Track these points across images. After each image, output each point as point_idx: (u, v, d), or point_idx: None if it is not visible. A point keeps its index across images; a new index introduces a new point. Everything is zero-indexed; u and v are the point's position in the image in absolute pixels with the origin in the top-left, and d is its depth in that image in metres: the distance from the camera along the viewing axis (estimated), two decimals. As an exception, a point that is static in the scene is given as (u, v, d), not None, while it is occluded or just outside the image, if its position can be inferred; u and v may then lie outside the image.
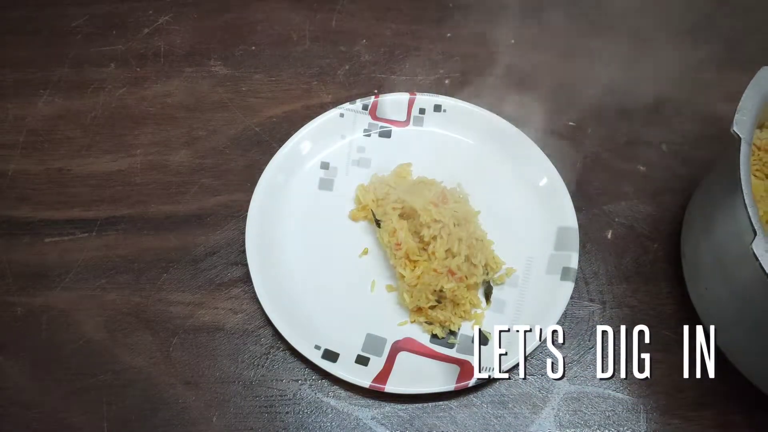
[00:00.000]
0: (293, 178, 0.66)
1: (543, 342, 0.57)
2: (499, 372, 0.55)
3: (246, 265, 0.59)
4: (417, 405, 0.56)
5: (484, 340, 0.57)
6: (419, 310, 0.58)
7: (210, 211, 0.65)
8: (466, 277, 0.58)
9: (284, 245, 0.62)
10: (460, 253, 0.57)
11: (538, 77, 0.75)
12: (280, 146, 0.66)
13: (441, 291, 0.57)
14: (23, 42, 0.77)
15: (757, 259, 0.43)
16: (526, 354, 0.55)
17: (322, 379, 0.57)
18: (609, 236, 0.65)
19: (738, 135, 0.47)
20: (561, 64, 0.76)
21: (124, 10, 0.80)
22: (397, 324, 0.58)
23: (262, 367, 0.57)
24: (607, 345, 0.59)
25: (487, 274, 0.60)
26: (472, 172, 0.64)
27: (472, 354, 0.56)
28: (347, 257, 0.62)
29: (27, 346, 0.58)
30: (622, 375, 0.57)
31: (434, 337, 0.58)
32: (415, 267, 0.58)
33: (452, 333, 0.58)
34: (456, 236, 0.58)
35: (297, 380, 0.57)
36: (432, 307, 0.58)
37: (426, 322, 0.58)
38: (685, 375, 0.57)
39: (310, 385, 0.57)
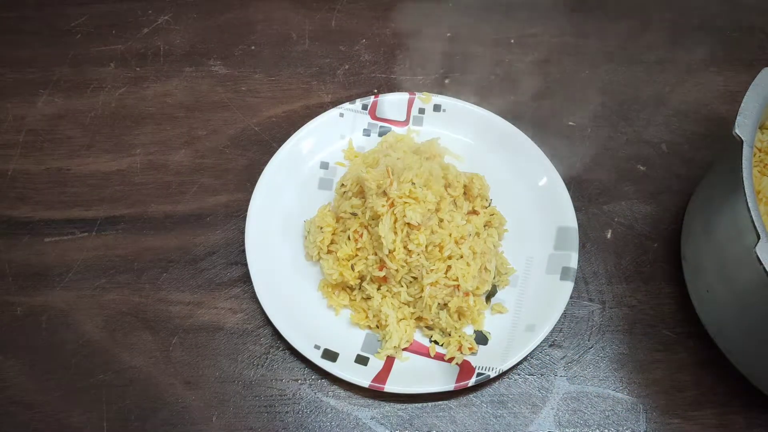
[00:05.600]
0: (293, 178, 0.65)
1: (542, 342, 0.56)
2: (499, 372, 0.55)
3: (246, 264, 0.59)
4: (416, 405, 0.56)
5: (483, 340, 0.58)
6: (421, 318, 0.58)
7: (210, 210, 0.65)
8: (479, 287, 0.57)
9: (284, 245, 0.62)
10: (471, 267, 0.57)
11: (538, 77, 0.75)
12: (279, 146, 0.66)
13: (446, 305, 0.57)
14: (23, 42, 0.77)
15: (760, 262, 0.42)
16: (526, 354, 0.55)
17: (321, 379, 0.57)
18: (609, 236, 0.65)
19: (740, 137, 0.47)
20: (561, 63, 0.76)
21: (123, 10, 0.80)
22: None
23: (262, 366, 0.57)
24: (607, 344, 0.59)
25: (494, 278, 0.60)
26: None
27: (471, 354, 0.56)
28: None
29: (27, 346, 0.58)
30: (622, 374, 0.58)
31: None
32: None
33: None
34: (472, 249, 0.57)
35: (297, 380, 0.57)
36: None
37: (426, 327, 0.58)
38: (685, 375, 0.57)
39: (310, 384, 0.57)
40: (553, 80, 0.75)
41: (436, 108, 0.69)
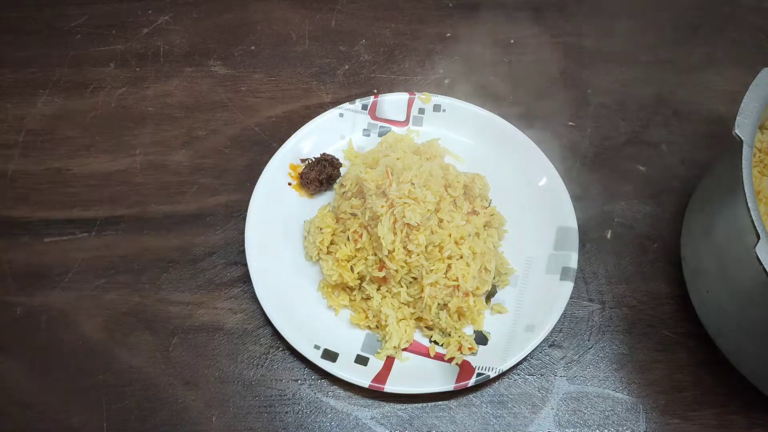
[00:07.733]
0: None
1: (542, 342, 0.56)
2: (499, 372, 0.55)
3: (245, 265, 0.59)
4: (416, 405, 0.56)
5: (483, 340, 0.57)
6: (420, 318, 0.58)
7: (209, 211, 0.65)
8: (479, 288, 0.57)
9: (284, 245, 0.62)
10: (470, 267, 0.57)
11: (538, 77, 0.75)
12: (279, 146, 0.66)
13: (446, 305, 0.57)
14: (23, 42, 0.77)
15: (760, 262, 0.42)
16: (526, 354, 0.55)
17: (321, 379, 0.57)
18: (609, 236, 0.65)
19: (740, 138, 0.47)
20: (560, 64, 0.76)
21: (123, 10, 0.80)
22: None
23: (262, 366, 0.57)
24: (607, 345, 0.59)
25: (494, 278, 0.60)
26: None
27: (471, 354, 0.56)
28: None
29: (27, 346, 0.58)
30: (622, 374, 0.58)
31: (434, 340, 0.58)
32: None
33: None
34: (472, 249, 0.57)
35: (296, 380, 0.57)
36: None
37: (426, 327, 0.58)
38: (685, 375, 0.57)
39: (310, 384, 0.57)
40: (553, 80, 0.75)
41: (436, 108, 0.69)
